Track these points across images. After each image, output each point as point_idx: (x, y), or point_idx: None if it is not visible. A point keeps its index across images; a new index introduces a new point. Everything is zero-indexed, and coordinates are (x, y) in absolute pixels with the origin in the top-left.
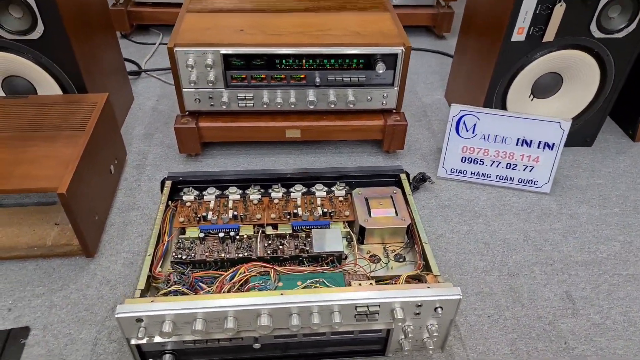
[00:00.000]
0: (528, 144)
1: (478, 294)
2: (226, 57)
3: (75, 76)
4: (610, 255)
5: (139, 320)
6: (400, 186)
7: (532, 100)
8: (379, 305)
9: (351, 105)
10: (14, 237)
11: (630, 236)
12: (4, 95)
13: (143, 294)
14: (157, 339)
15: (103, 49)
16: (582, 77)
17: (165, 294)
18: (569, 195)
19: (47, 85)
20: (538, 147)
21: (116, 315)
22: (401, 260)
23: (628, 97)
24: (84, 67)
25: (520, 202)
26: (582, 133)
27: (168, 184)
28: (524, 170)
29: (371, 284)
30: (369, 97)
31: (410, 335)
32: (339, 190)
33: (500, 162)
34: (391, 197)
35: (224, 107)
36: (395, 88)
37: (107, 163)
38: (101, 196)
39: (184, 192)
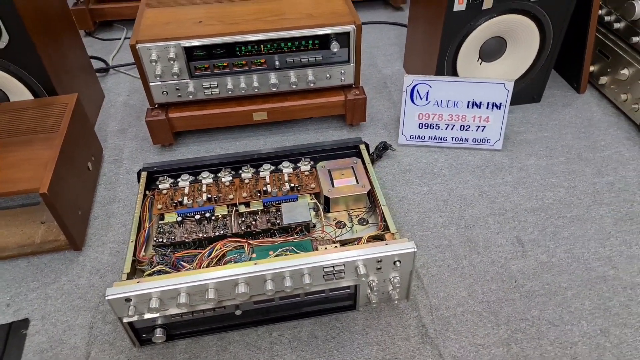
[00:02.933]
0: (478, 105)
1: (438, 247)
2: (188, 49)
3: (44, 80)
4: (556, 201)
5: (127, 299)
6: (360, 156)
7: (480, 64)
8: (344, 265)
9: (312, 85)
10: (4, 238)
11: (574, 181)
12: None
13: (129, 276)
14: (147, 315)
15: (68, 49)
16: (523, 38)
17: (150, 275)
18: (519, 149)
19: (18, 92)
20: (487, 108)
21: (107, 298)
22: (364, 223)
23: (571, 52)
24: (52, 70)
25: (475, 160)
26: (529, 91)
27: (144, 174)
28: (476, 130)
29: (336, 246)
30: (327, 75)
31: (375, 289)
32: (304, 166)
33: (454, 125)
34: (352, 167)
35: (191, 96)
36: (352, 64)
37: (84, 161)
38: (82, 192)
39: (160, 181)
